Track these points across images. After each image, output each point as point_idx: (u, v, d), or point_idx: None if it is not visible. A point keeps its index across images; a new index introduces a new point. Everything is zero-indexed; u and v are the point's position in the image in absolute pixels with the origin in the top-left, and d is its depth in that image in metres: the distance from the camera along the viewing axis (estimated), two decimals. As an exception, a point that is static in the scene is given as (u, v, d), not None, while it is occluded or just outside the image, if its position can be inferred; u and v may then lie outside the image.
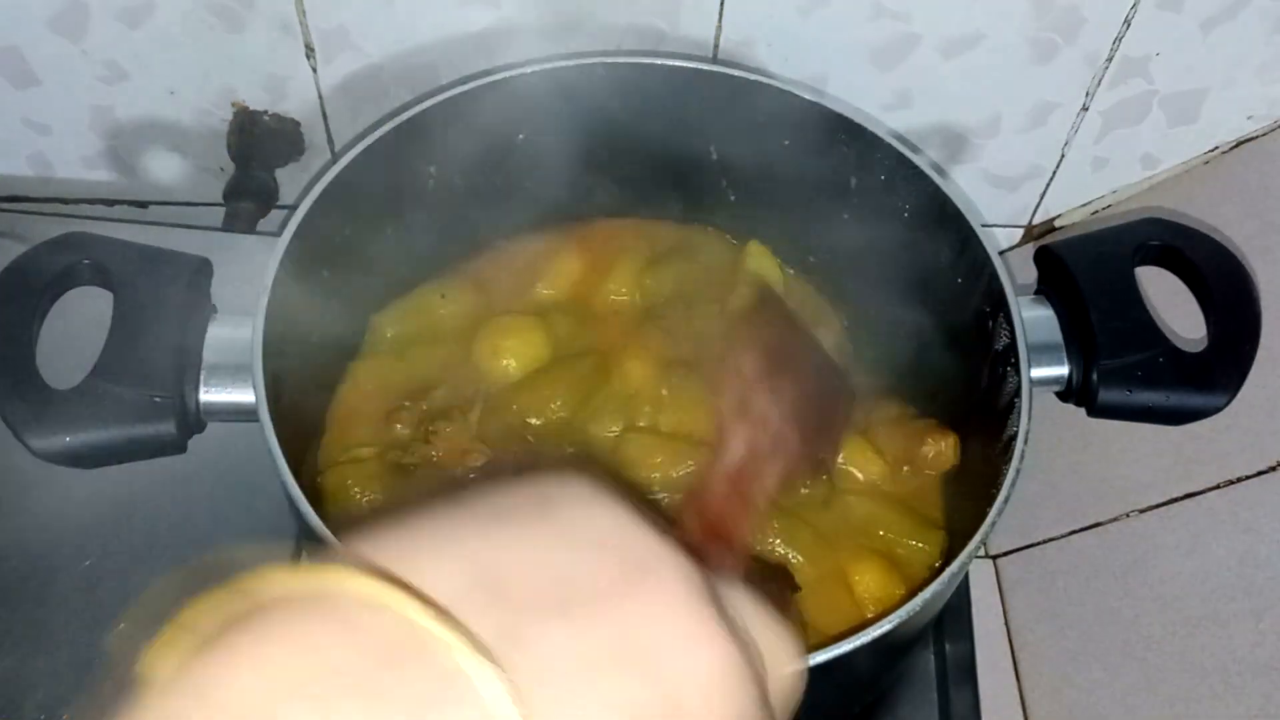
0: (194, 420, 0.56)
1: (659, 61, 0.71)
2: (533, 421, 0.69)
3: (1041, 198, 0.91)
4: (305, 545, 0.63)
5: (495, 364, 0.72)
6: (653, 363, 0.73)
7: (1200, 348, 0.60)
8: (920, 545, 0.68)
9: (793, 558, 0.66)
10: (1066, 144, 0.86)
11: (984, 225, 0.81)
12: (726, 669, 0.29)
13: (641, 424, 0.71)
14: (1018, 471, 0.57)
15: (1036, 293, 0.65)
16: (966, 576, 0.79)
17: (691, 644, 0.28)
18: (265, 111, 0.85)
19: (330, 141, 0.87)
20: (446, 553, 0.28)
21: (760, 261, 0.78)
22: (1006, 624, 0.83)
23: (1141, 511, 0.78)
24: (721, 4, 0.78)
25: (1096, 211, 0.92)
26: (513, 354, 0.72)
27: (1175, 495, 0.76)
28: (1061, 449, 0.84)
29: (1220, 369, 0.59)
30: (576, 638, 0.27)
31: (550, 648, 0.27)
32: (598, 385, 0.71)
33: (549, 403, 0.70)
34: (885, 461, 0.71)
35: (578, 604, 0.28)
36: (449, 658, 0.25)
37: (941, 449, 0.69)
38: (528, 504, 0.30)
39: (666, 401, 0.71)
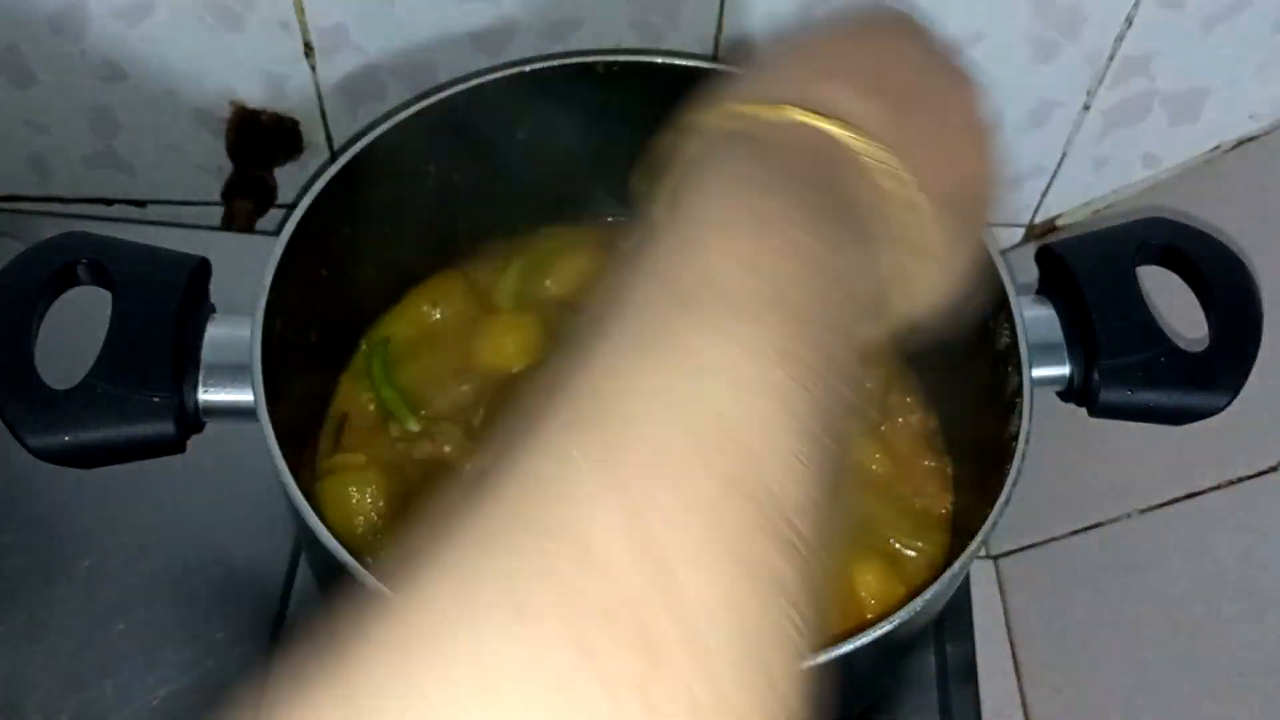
0: (193, 420, 0.56)
1: (659, 60, 0.71)
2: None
3: (1043, 197, 0.91)
4: (305, 547, 0.62)
5: (498, 362, 0.72)
6: None
7: (1202, 347, 0.60)
8: (921, 545, 0.68)
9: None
10: (1068, 143, 0.86)
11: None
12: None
13: None
14: (1018, 471, 0.57)
15: (1037, 292, 0.64)
16: (967, 577, 0.79)
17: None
18: (263, 110, 0.85)
19: (329, 140, 0.87)
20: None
21: None
22: (1007, 624, 0.83)
23: (1142, 511, 0.78)
24: (722, 2, 0.78)
25: (1098, 211, 0.92)
26: (515, 353, 0.72)
27: (1176, 495, 0.76)
28: (1062, 449, 0.84)
29: (1222, 369, 0.59)
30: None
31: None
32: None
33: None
34: (891, 458, 0.71)
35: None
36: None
37: None
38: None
39: None
